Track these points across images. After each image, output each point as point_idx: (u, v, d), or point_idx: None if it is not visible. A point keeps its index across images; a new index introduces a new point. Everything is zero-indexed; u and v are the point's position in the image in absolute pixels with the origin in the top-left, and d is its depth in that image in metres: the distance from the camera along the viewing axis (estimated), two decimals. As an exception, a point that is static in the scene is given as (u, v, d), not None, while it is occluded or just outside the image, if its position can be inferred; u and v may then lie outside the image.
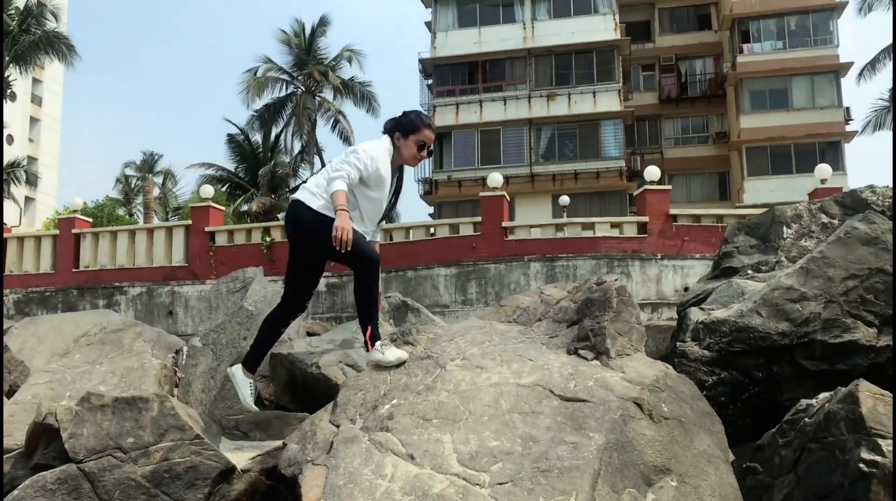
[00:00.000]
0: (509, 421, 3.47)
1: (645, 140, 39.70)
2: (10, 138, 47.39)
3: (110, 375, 5.24)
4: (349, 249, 4.25)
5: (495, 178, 18.32)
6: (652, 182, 17.79)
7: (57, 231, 20.29)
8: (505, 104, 34.33)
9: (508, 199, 18.50)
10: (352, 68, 35.44)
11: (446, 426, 3.53)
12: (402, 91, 64.26)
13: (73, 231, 19.67)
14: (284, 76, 34.56)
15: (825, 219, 5.83)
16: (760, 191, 34.22)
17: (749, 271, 5.72)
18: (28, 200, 47.44)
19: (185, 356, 5.68)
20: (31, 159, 49.13)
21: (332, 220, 4.30)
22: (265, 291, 5.93)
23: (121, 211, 44.47)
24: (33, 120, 51.25)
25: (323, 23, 34.46)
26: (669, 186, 18.70)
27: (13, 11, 35.08)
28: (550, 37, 34.24)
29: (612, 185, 33.47)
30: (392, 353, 4.32)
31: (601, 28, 33.83)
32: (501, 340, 4.43)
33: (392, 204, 4.85)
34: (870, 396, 3.48)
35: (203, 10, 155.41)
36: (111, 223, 30.09)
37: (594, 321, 4.12)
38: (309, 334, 8.63)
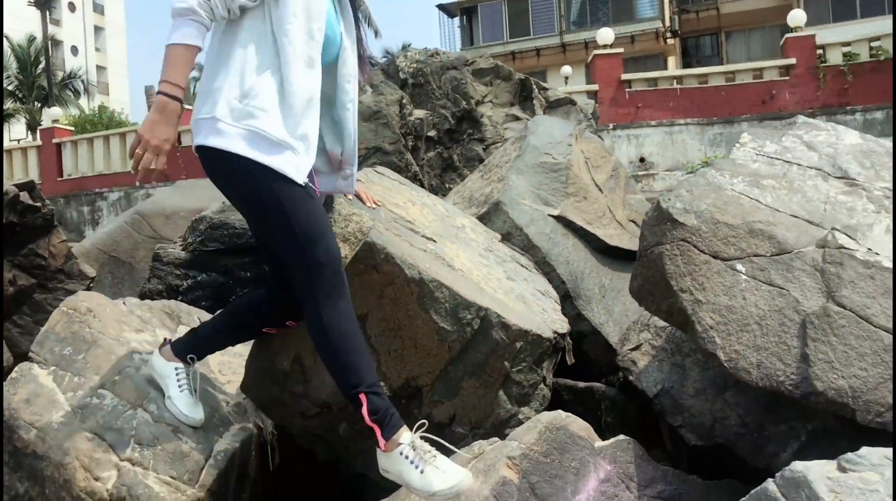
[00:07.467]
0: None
1: (700, -6, 36.76)
2: (74, 49, 48.88)
3: None
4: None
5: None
6: (605, 46, 16.50)
7: (39, 142, 20.87)
8: (530, -30, 32.43)
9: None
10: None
11: None
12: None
13: (54, 141, 20.25)
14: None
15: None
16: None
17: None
18: (102, 108, 49.21)
19: None
20: (100, 69, 50.71)
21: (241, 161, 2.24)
22: None
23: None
24: (98, 29, 52.47)
25: None
26: (621, 50, 17.09)
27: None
28: None
29: (648, 49, 31.25)
30: (445, 478, 2.14)
31: None
32: None
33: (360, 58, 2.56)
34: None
35: None
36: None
37: None
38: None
